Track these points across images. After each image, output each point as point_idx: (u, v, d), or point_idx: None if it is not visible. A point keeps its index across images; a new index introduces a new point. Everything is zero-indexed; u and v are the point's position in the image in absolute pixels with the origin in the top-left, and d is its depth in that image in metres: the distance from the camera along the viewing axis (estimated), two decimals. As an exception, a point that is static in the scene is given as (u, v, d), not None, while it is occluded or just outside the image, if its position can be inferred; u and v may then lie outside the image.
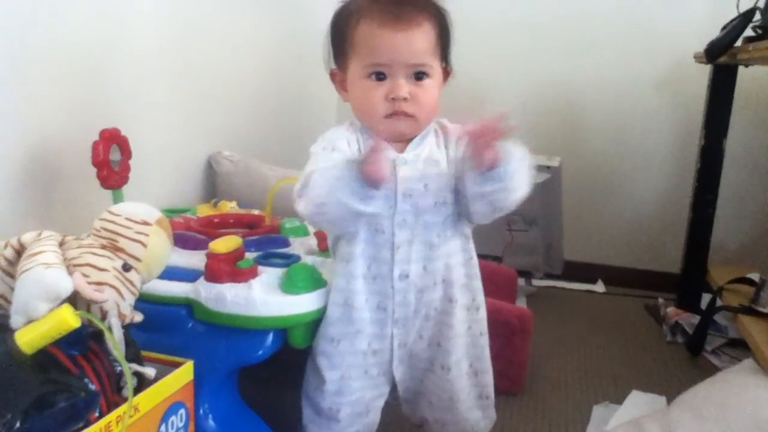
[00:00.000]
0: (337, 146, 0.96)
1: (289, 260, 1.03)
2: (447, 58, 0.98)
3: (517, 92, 2.18)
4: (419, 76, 0.93)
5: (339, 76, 0.99)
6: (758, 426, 0.92)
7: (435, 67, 0.95)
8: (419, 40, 0.92)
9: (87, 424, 0.69)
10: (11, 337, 0.68)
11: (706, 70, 1.78)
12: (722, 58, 1.58)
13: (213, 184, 1.61)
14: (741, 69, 1.73)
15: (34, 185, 1.06)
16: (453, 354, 1.01)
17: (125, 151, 1.07)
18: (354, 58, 0.94)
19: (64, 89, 1.12)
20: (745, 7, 1.55)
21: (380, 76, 0.93)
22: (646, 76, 2.07)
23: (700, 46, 1.64)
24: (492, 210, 0.94)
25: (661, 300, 1.92)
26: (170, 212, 1.23)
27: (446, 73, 0.99)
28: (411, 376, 1.04)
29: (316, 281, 0.98)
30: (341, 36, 0.96)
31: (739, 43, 1.54)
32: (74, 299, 0.74)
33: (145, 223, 0.83)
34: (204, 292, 0.96)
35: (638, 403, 1.32)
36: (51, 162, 1.09)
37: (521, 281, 1.97)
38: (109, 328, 0.76)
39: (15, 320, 0.69)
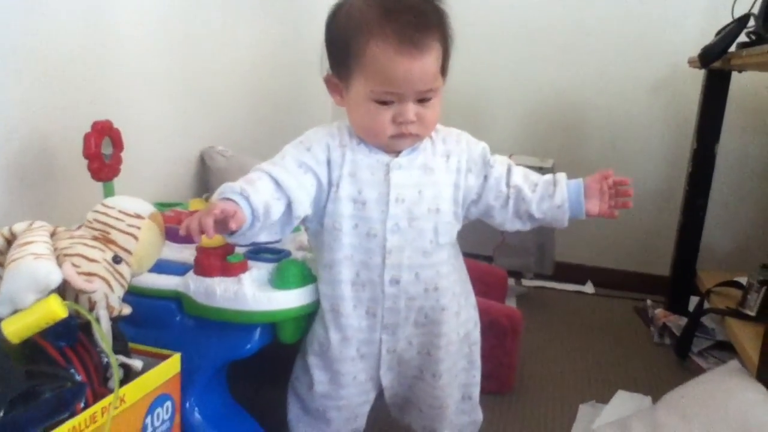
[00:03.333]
0: (312, 147, 0.94)
1: (279, 255, 1.03)
2: (447, 63, 0.94)
3: (511, 97, 2.18)
4: (425, 99, 0.91)
5: (335, 83, 0.95)
6: (743, 427, 0.92)
7: (439, 84, 0.92)
8: (431, 65, 0.89)
9: (73, 415, 0.69)
10: (-2, 326, 0.68)
11: (700, 75, 1.79)
12: (716, 63, 1.59)
13: (205, 180, 1.61)
14: (734, 75, 1.74)
15: (26, 177, 1.06)
16: (443, 362, 1.01)
17: (117, 144, 1.06)
18: (360, 78, 0.90)
19: (56, 82, 1.11)
20: (739, 12, 1.55)
21: (386, 102, 0.90)
22: (640, 80, 2.08)
23: (695, 52, 1.65)
24: (531, 225, 1.00)
25: (649, 302, 1.93)
26: (162, 206, 1.23)
27: (444, 74, 0.95)
28: (399, 383, 1.04)
29: (306, 277, 0.98)
30: (345, 48, 0.90)
31: (733, 48, 1.55)
32: (63, 290, 0.74)
33: (138, 217, 0.83)
34: (193, 285, 0.96)
35: (624, 402, 1.33)
36: (43, 154, 1.09)
37: (511, 281, 1.97)
38: (97, 320, 0.76)
39: (1, 309, 0.69)
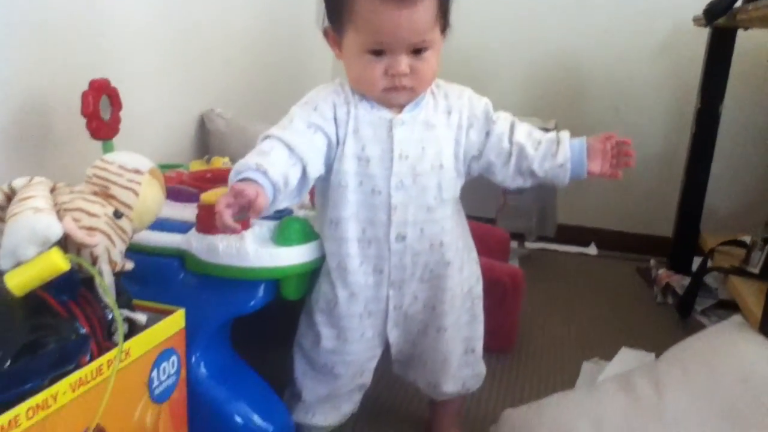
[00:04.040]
0: (319, 106, 0.93)
1: (282, 213, 1.02)
2: (447, 17, 0.93)
3: (513, 56, 2.16)
4: (419, 50, 0.89)
5: (333, 35, 0.94)
6: (745, 379, 0.93)
7: (436, 37, 0.90)
8: (422, 16, 0.86)
9: (78, 367, 0.70)
10: (1, 279, 0.68)
11: (705, 34, 1.77)
12: (721, 20, 1.56)
13: (205, 142, 1.60)
14: (740, 33, 1.71)
15: (24, 138, 1.05)
16: (448, 316, 1.01)
17: (115, 103, 1.05)
18: (351, 29, 0.89)
19: (52, 41, 1.10)
20: (745, -33, 1.53)
21: (379, 53, 0.89)
22: (644, 40, 2.06)
23: (699, 10, 1.62)
24: (533, 183, 0.99)
25: (652, 262, 1.93)
26: (162, 168, 1.22)
27: (444, 28, 0.93)
28: (405, 339, 1.04)
29: (308, 234, 0.98)
30: (338, 1, 0.90)
31: (739, 4, 1.53)
32: (64, 245, 0.74)
33: (138, 172, 0.83)
34: (196, 243, 0.96)
35: (627, 359, 1.34)
36: (40, 114, 1.08)
37: (514, 244, 1.97)
38: (100, 274, 0.76)
39: (4, 263, 0.69)
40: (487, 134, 0.97)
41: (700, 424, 0.87)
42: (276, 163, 0.86)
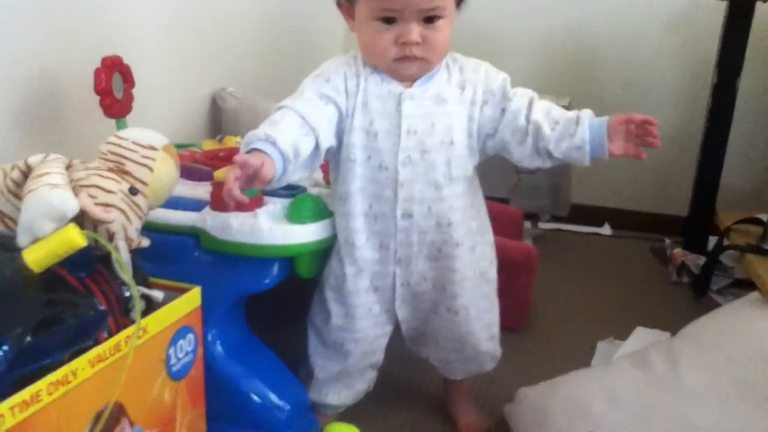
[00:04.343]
0: (331, 78, 0.93)
1: (295, 191, 1.02)
2: None
3: (526, 32, 2.13)
4: (431, 18, 0.88)
5: (346, 6, 0.93)
6: (762, 356, 0.92)
7: (449, 5, 0.89)
8: None
9: (97, 343, 0.70)
10: (20, 256, 0.68)
11: (720, 8, 1.74)
12: (739, -8, 1.54)
13: (218, 121, 1.60)
14: (758, 5, 1.68)
15: (38, 116, 1.05)
16: (459, 298, 1.00)
17: (128, 80, 1.05)
18: None
19: (66, 20, 1.10)
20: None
21: (390, 20, 0.88)
22: (658, 13, 2.02)
23: (717, -18, 1.60)
24: (552, 163, 0.95)
25: (667, 241, 1.92)
26: (176, 147, 1.22)
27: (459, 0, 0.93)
28: (415, 317, 1.04)
29: (321, 212, 0.98)
30: None
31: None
32: (80, 221, 0.74)
33: (152, 148, 0.83)
34: (210, 220, 0.96)
35: (642, 338, 1.34)
36: (53, 92, 1.08)
37: (527, 224, 1.96)
38: (116, 250, 0.76)
39: (21, 239, 0.70)
40: (503, 111, 0.94)
41: (716, 400, 0.87)
42: (286, 132, 0.85)
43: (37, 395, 0.62)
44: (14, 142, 1.01)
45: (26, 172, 0.77)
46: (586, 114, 0.92)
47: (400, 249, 0.97)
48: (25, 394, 0.60)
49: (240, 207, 0.95)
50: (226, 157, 1.24)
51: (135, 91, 1.08)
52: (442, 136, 0.93)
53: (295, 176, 0.89)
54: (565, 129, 0.92)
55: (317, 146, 0.89)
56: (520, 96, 0.94)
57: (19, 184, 0.76)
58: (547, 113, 0.93)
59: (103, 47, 1.12)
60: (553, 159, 0.94)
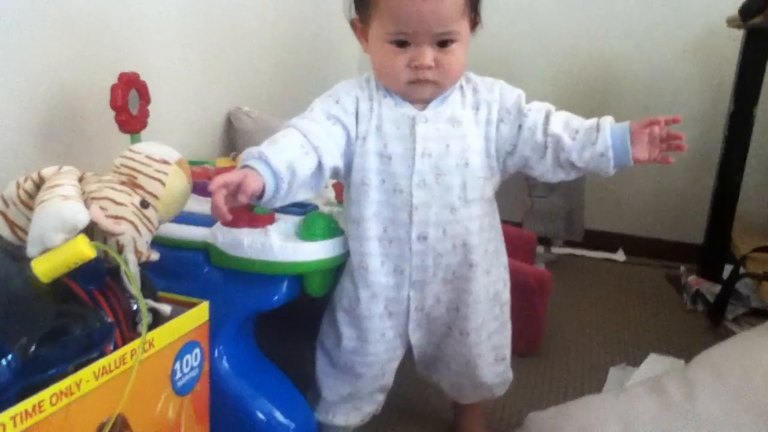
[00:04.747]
0: (341, 99, 0.93)
1: (307, 209, 1.02)
2: (477, 11, 0.91)
3: (542, 56, 2.14)
4: (445, 42, 0.88)
5: (360, 26, 0.94)
6: (780, 383, 0.90)
7: (463, 29, 0.89)
8: (448, 5, 0.85)
9: (102, 355, 0.69)
10: (29, 266, 0.69)
11: (738, 36, 1.73)
12: (756, 19, 1.53)
13: (233, 140, 1.61)
14: (775, 33, 1.67)
15: (53, 130, 1.06)
16: (472, 320, 0.99)
17: (144, 96, 1.06)
18: (376, 18, 0.88)
19: (81, 35, 1.11)
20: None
21: (403, 44, 0.88)
22: (676, 41, 2.02)
23: (733, 11, 1.59)
24: (576, 174, 0.94)
25: (682, 268, 1.89)
26: (189, 164, 1.23)
27: (474, 23, 0.92)
28: (428, 341, 1.03)
29: (332, 229, 0.97)
30: None
31: (775, 3, 1.49)
32: (91, 233, 0.74)
33: (165, 162, 0.83)
34: (221, 236, 0.96)
35: (656, 365, 1.31)
36: (69, 107, 1.09)
37: (540, 249, 1.95)
38: (126, 262, 0.76)
39: (31, 250, 0.70)
40: (520, 128, 0.93)
41: (733, 427, 0.85)
42: (283, 151, 0.85)
43: (39, 405, 0.61)
44: (32, 155, 1.02)
45: (39, 184, 0.77)
46: (607, 120, 0.91)
47: (415, 273, 0.96)
48: (27, 404, 0.60)
49: (251, 223, 0.95)
50: (239, 175, 1.25)
51: (151, 109, 1.09)
52: (457, 158, 0.92)
53: (299, 195, 0.89)
54: (586, 137, 0.90)
55: (320, 166, 0.89)
56: (536, 110, 0.93)
57: (32, 195, 0.76)
58: (566, 124, 0.92)
59: (120, 64, 1.14)
60: (576, 170, 0.92)
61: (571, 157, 0.91)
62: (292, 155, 0.85)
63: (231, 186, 0.80)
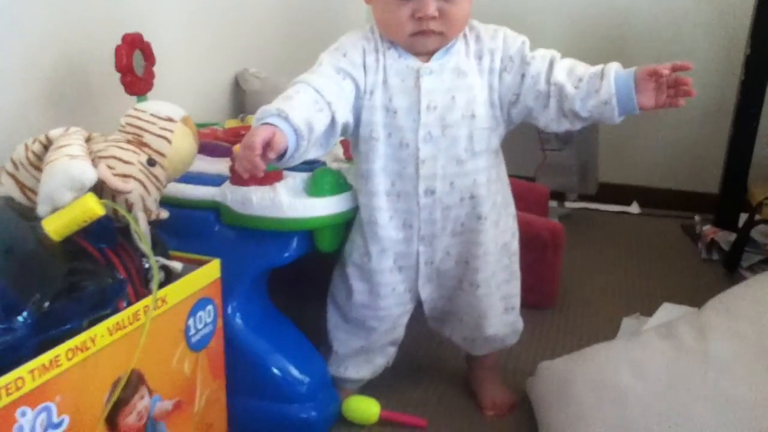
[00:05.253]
0: (348, 52, 0.91)
1: (314, 165, 1.02)
2: None
3: (553, 6, 2.09)
4: None
5: None
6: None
7: None
8: None
9: (116, 311, 0.71)
10: (40, 225, 0.69)
11: (755, -24, 1.68)
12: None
13: (241, 102, 1.60)
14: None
15: (59, 93, 1.07)
16: (482, 271, 0.99)
17: (149, 57, 1.05)
18: None
19: (89, 0, 1.11)
20: None
21: None
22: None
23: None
24: (582, 123, 0.91)
25: (697, 218, 1.88)
26: (198, 126, 1.23)
27: None
28: (439, 295, 1.03)
29: (341, 185, 0.98)
30: None
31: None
32: (99, 192, 0.74)
33: (170, 120, 0.83)
34: (230, 195, 0.96)
35: (669, 313, 1.31)
36: (75, 70, 1.09)
37: (554, 203, 1.94)
38: (135, 221, 0.76)
39: (41, 209, 0.71)
40: (523, 77, 0.91)
41: (745, 370, 0.84)
42: (299, 107, 0.82)
43: (56, 360, 0.63)
44: (39, 118, 1.02)
45: (47, 145, 0.78)
46: (612, 67, 0.88)
47: (423, 227, 0.95)
48: (44, 358, 0.61)
49: (260, 181, 0.95)
50: (247, 135, 1.25)
51: (158, 71, 1.08)
52: (463, 110, 0.91)
53: (310, 154, 0.87)
54: (590, 85, 0.87)
55: (333, 122, 0.87)
56: (540, 58, 0.91)
57: (40, 157, 0.77)
58: (570, 72, 0.89)
59: (124, 25, 1.13)
60: (581, 119, 0.90)
61: (574, 107, 0.88)
62: (308, 112, 0.83)
63: (262, 144, 0.77)
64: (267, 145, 0.77)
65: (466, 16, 0.90)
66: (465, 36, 0.93)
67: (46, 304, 0.63)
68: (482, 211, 0.96)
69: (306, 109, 0.84)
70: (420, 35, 0.89)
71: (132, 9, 1.21)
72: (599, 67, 0.89)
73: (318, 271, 1.08)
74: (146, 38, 1.05)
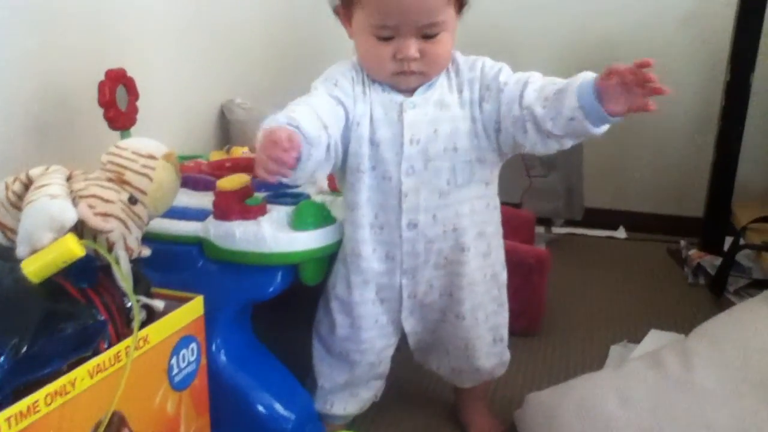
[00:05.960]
0: (339, 81, 0.91)
1: (298, 198, 1.02)
2: None
3: (535, 31, 2.11)
4: (430, 34, 0.86)
5: (344, 12, 0.92)
6: (777, 355, 0.90)
7: (449, 17, 0.87)
8: None
9: (97, 353, 0.70)
10: (19, 267, 0.69)
11: (733, 3, 1.71)
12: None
13: (226, 132, 1.60)
14: (770, 0, 1.65)
15: (43, 127, 1.06)
16: (466, 303, 0.98)
17: (132, 92, 1.05)
18: (359, 9, 0.87)
19: (71, 31, 1.11)
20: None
21: (387, 36, 0.86)
22: (670, 10, 1.99)
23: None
24: (570, 141, 0.87)
25: (683, 242, 1.88)
26: (181, 158, 1.23)
27: (461, 5, 0.90)
28: (423, 327, 1.02)
29: (325, 218, 0.97)
30: None
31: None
32: (80, 231, 0.74)
33: (152, 157, 0.83)
34: (213, 229, 0.95)
35: (657, 341, 1.31)
36: (58, 104, 1.09)
37: (540, 229, 1.94)
38: (116, 260, 0.76)
39: (21, 250, 0.70)
40: (499, 104, 0.90)
41: (731, 398, 0.85)
42: (306, 119, 0.80)
43: (34, 406, 0.62)
44: (22, 155, 1.02)
45: (27, 184, 0.78)
46: (577, 79, 0.83)
47: (406, 260, 0.95)
48: (22, 405, 0.60)
49: (243, 215, 0.95)
50: (232, 168, 1.24)
51: (143, 104, 1.08)
52: (445, 143, 0.91)
53: (317, 169, 0.84)
54: (556, 103, 0.83)
55: (328, 146, 0.86)
56: (515, 83, 0.89)
57: (21, 196, 0.77)
58: (540, 92, 0.86)
59: (108, 57, 1.13)
60: (561, 139, 0.86)
61: (547, 127, 0.85)
62: (313, 125, 0.81)
63: (287, 139, 0.73)
64: (290, 141, 0.74)
65: (447, 55, 0.91)
66: (447, 69, 0.94)
67: (25, 348, 0.62)
68: (465, 242, 0.95)
69: (311, 120, 0.82)
70: (401, 75, 0.89)
71: (116, 41, 1.22)
72: (565, 82, 0.85)
73: (303, 298, 1.07)
74: (130, 69, 1.06)
